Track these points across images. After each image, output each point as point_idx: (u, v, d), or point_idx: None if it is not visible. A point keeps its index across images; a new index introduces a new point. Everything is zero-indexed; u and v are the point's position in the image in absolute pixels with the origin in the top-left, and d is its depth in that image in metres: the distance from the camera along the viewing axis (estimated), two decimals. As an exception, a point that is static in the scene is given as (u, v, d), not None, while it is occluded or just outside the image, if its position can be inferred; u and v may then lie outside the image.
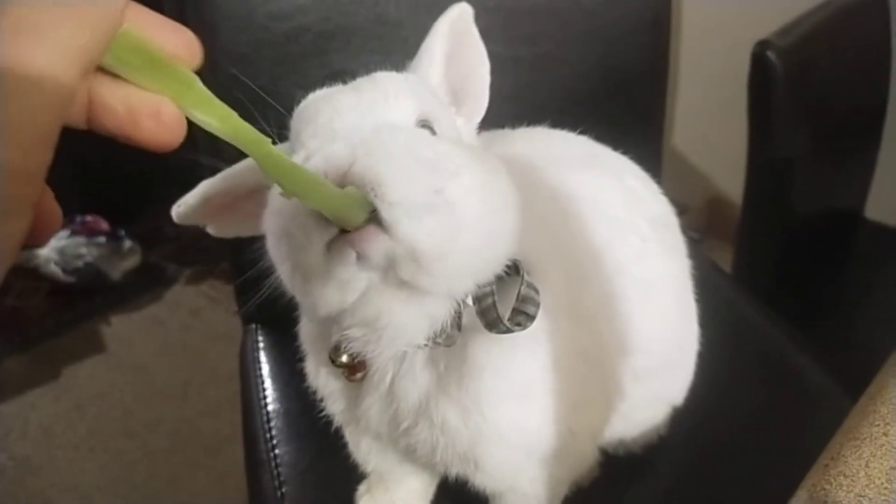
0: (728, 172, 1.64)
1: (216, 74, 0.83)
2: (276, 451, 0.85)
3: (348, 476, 0.79)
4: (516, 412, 0.61)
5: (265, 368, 0.94)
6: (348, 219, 0.45)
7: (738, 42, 1.27)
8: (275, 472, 0.83)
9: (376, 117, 0.49)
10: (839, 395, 0.91)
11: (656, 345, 0.73)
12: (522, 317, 0.54)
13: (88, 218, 2.20)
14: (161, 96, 0.34)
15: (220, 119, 0.37)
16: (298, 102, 0.55)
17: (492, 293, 0.54)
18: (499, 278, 0.54)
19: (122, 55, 0.32)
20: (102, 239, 2.16)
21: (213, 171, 0.66)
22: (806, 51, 1.24)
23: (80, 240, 2.14)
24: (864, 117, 1.48)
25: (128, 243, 2.21)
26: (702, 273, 0.82)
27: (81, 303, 2.11)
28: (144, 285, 2.20)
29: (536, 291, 0.54)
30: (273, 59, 0.85)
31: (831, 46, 1.32)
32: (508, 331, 0.53)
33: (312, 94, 0.54)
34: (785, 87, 1.20)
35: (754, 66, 1.21)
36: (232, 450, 1.70)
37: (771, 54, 1.19)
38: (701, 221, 1.73)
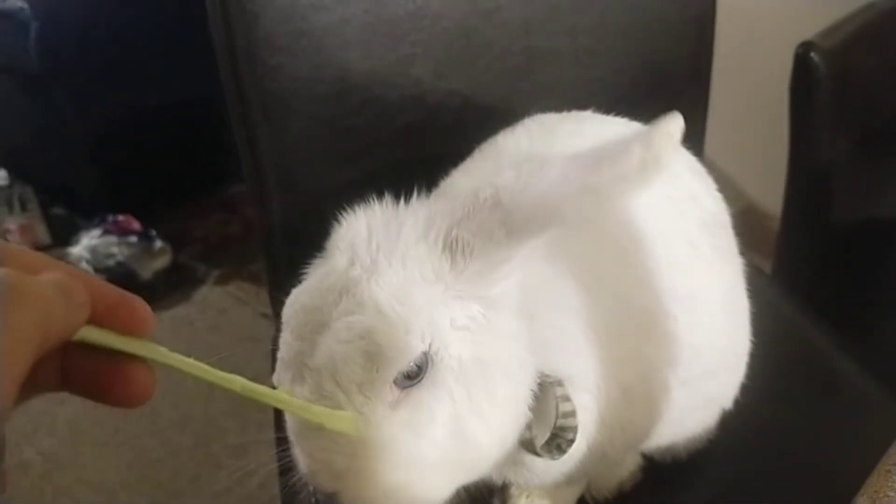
0: (763, 180, 1.61)
1: (256, 65, 0.83)
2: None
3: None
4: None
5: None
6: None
7: (779, 44, 1.24)
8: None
9: (341, 440, 0.52)
10: (885, 401, 0.89)
11: (705, 353, 0.71)
12: (562, 442, 0.58)
13: (120, 217, 2.21)
14: (130, 361, 0.38)
15: (190, 366, 0.41)
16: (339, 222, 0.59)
17: (528, 427, 0.57)
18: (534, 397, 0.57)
19: (86, 338, 0.37)
20: (134, 238, 2.18)
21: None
22: (850, 53, 1.21)
23: (112, 239, 2.15)
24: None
25: (159, 243, 2.22)
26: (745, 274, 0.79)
27: (112, 302, 2.11)
28: (174, 285, 2.21)
29: (573, 414, 0.58)
30: (313, 50, 0.84)
31: (875, 49, 1.28)
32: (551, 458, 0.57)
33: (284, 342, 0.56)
34: (828, 89, 1.18)
35: (797, 68, 1.18)
36: (256, 450, 1.70)
37: (815, 55, 1.16)
38: (735, 230, 1.70)
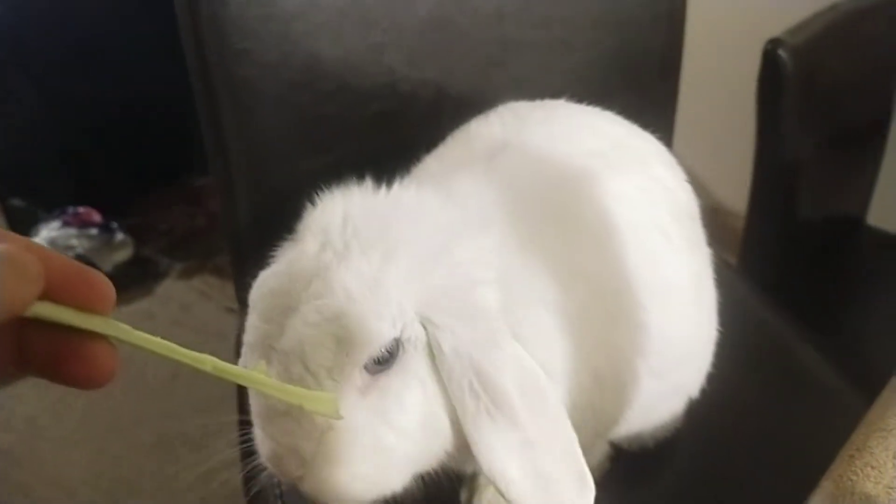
0: (729, 178, 1.62)
1: (224, 50, 0.81)
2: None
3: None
4: None
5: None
6: None
7: (747, 41, 1.26)
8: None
9: (310, 425, 0.52)
10: (847, 390, 0.90)
11: (674, 342, 0.72)
12: None
13: (80, 209, 2.17)
14: (91, 339, 0.36)
15: (156, 344, 0.39)
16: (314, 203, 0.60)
17: None
18: None
19: (41, 314, 0.35)
20: (94, 231, 2.14)
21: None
22: (816, 51, 1.23)
23: (72, 231, 2.11)
24: (869, 122, 1.47)
25: (120, 236, 2.18)
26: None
27: (70, 295, 2.07)
28: (135, 279, 2.17)
29: None
30: (281, 34, 0.83)
31: (840, 48, 1.30)
32: None
33: (249, 329, 0.56)
34: (795, 86, 1.19)
35: (765, 65, 1.19)
36: (218, 446, 1.68)
37: (782, 52, 1.17)
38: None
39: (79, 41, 2.12)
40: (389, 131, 0.91)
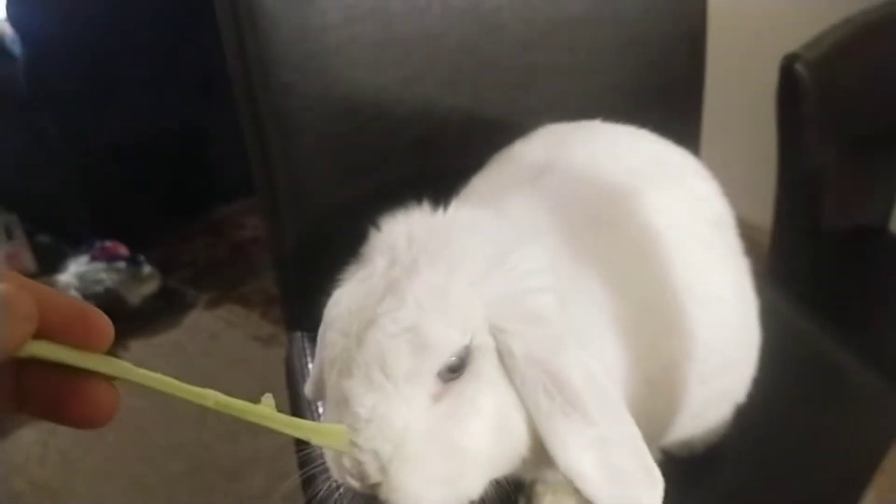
0: (753, 193, 1.64)
1: (269, 83, 0.85)
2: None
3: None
4: None
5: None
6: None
7: (765, 57, 1.28)
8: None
9: (391, 428, 0.54)
10: (888, 393, 0.92)
11: (720, 349, 0.74)
12: None
13: (108, 243, 2.21)
14: (89, 378, 0.36)
15: (156, 381, 0.38)
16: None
17: None
18: None
19: (36, 353, 0.34)
20: (122, 264, 2.17)
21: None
22: (832, 64, 1.25)
23: (100, 265, 2.15)
24: (886, 131, 1.48)
25: (147, 268, 2.22)
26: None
27: (100, 328, 2.10)
28: (163, 310, 2.21)
29: None
30: (323, 69, 0.86)
31: (855, 60, 1.33)
32: None
33: (329, 344, 0.60)
34: (813, 98, 1.21)
35: (783, 79, 1.22)
36: (251, 473, 1.70)
37: (799, 66, 1.20)
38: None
39: (99, 74, 2.17)
40: (424, 157, 0.94)
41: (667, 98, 1.07)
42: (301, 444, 0.63)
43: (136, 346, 2.09)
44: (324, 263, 0.69)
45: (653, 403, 0.68)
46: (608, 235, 0.69)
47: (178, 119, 2.32)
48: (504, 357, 0.57)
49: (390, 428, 0.54)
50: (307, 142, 0.89)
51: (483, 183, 0.80)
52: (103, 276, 2.13)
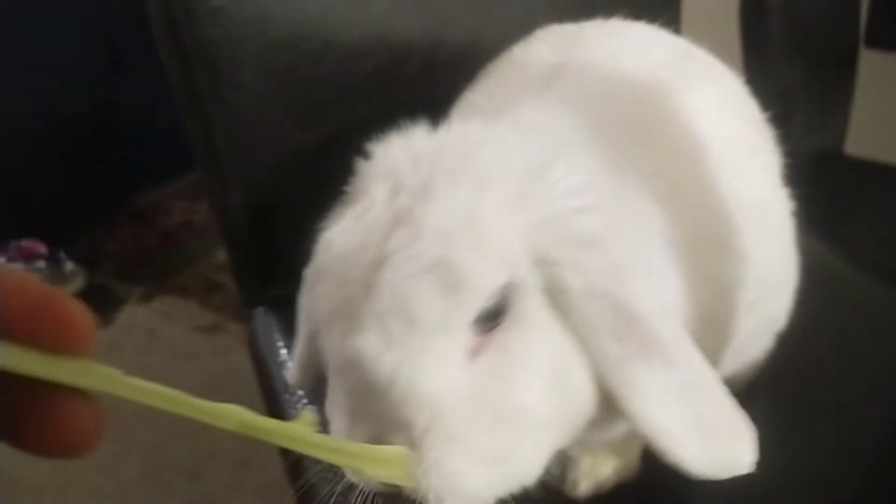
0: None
1: (190, 9, 0.72)
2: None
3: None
4: None
5: (284, 353, 0.82)
6: None
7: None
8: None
9: (422, 392, 0.44)
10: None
11: (770, 269, 0.65)
12: None
13: (24, 242, 2.05)
14: (63, 393, 0.27)
15: (157, 396, 0.31)
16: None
17: None
18: None
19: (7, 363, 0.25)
20: (41, 263, 2.03)
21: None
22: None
23: (17, 266, 1.98)
24: (844, 55, 1.45)
25: (69, 265, 2.07)
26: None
27: (24, 335, 1.94)
28: (93, 308, 2.02)
29: None
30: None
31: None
32: None
33: (323, 298, 0.49)
34: (778, 17, 1.17)
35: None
36: (212, 469, 1.61)
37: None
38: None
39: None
40: (385, 90, 0.82)
41: (646, 7, 0.97)
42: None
43: (67, 349, 1.94)
44: (280, 227, 0.57)
45: (703, 338, 0.58)
46: (647, 141, 0.58)
47: (86, 98, 2.14)
48: (555, 295, 0.46)
49: (420, 392, 0.43)
50: (245, 80, 0.76)
51: (481, 96, 0.68)
52: (22, 278, 1.96)
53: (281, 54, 0.76)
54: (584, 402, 0.47)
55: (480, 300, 0.44)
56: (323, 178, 0.54)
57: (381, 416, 0.43)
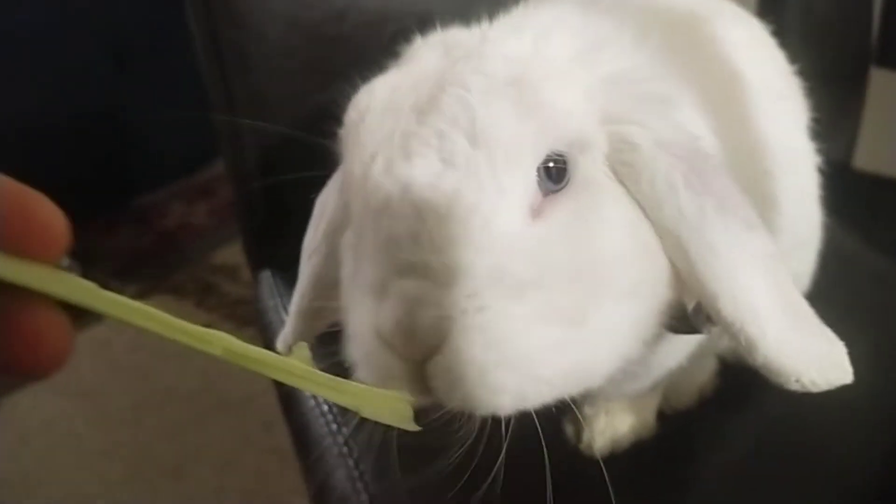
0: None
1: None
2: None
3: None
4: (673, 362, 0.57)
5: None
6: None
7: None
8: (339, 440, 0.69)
9: (486, 232, 0.37)
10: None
11: (800, 221, 0.64)
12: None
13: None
14: (33, 300, 0.26)
15: (134, 312, 0.30)
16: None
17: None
18: None
19: None
20: (36, 258, 1.97)
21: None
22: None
23: (10, 259, 1.94)
24: (853, 62, 1.45)
25: (64, 261, 2.00)
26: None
27: (17, 327, 1.90)
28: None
29: None
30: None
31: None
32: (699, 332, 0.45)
33: (365, 134, 0.42)
34: (796, 7, 1.16)
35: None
36: (197, 470, 1.58)
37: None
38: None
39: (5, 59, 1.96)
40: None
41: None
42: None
43: (57, 344, 1.90)
44: (291, 188, 0.56)
45: None
46: (687, 62, 0.54)
47: (92, 99, 2.13)
48: (623, 155, 0.41)
49: (487, 227, 0.37)
50: (270, 33, 0.75)
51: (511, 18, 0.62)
52: (16, 271, 1.93)
53: (307, 10, 0.76)
54: (662, 273, 0.42)
55: (555, 135, 0.39)
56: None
57: (426, 266, 0.36)
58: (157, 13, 1.85)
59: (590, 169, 0.41)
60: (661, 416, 0.70)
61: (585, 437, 0.66)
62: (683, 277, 0.41)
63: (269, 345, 0.80)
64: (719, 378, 0.72)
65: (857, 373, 0.72)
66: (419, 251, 0.37)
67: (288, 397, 0.73)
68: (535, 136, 0.39)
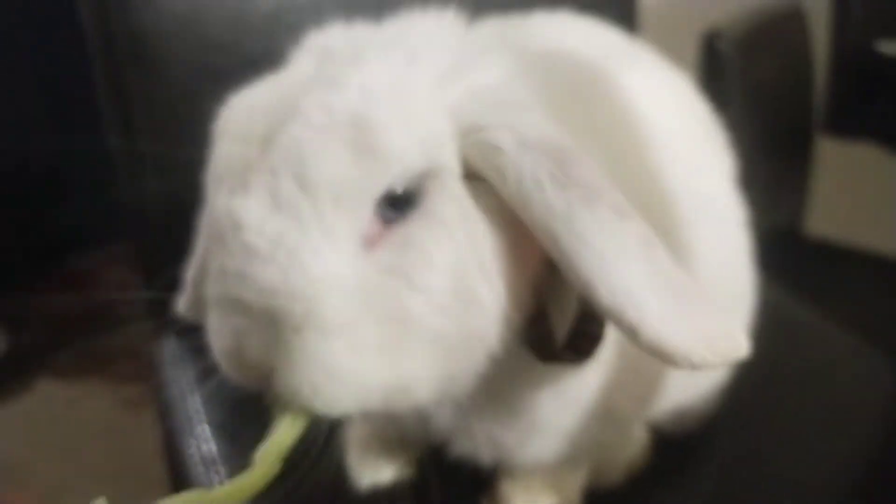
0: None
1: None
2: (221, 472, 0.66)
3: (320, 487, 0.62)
4: (571, 417, 0.54)
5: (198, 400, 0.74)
6: None
7: (684, 30, 1.23)
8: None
9: (302, 276, 0.39)
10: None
11: (722, 277, 0.59)
12: (583, 342, 0.46)
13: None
14: None
15: None
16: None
17: (544, 318, 0.45)
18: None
19: None
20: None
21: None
22: (752, 45, 1.21)
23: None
24: (799, 130, 1.46)
25: (-7, 328, 1.94)
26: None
27: (-66, 398, 1.81)
28: (11, 375, 1.93)
29: None
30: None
31: (771, 48, 1.30)
32: (571, 363, 0.46)
33: (218, 158, 0.44)
34: (735, 77, 1.16)
35: (705, 55, 1.16)
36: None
37: (722, 44, 1.15)
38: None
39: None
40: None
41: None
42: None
43: (-20, 416, 1.80)
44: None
45: (638, 353, 0.52)
46: (588, 110, 0.53)
47: (28, 152, 2.07)
48: (489, 161, 0.41)
49: (304, 273, 0.38)
50: (176, 77, 0.71)
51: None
52: (-64, 336, 1.85)
53: (218, 55, 0.72)
54: (486, 325, 0.42)
55: (392, 175, 0.40)
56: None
57: (250, 306, 0.38)
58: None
59: (436, 200, 0.41)
60: (589, 494, 0.65)
61: None
62: (563, 272, 0.40)
63: (171, 449, 0.74)
64: (652, 452, 0.67)
65: (805, 442, 0.70)
66: (245, 291, 0.39)
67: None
68: (370, 177, 0.40)
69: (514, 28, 0.60)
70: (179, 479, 0.68)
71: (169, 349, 0.80)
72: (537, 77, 0.48)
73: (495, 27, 0.58)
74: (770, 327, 0.70)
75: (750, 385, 0.70)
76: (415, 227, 0.41)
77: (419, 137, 0.40)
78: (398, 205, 0.41)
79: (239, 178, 0.40)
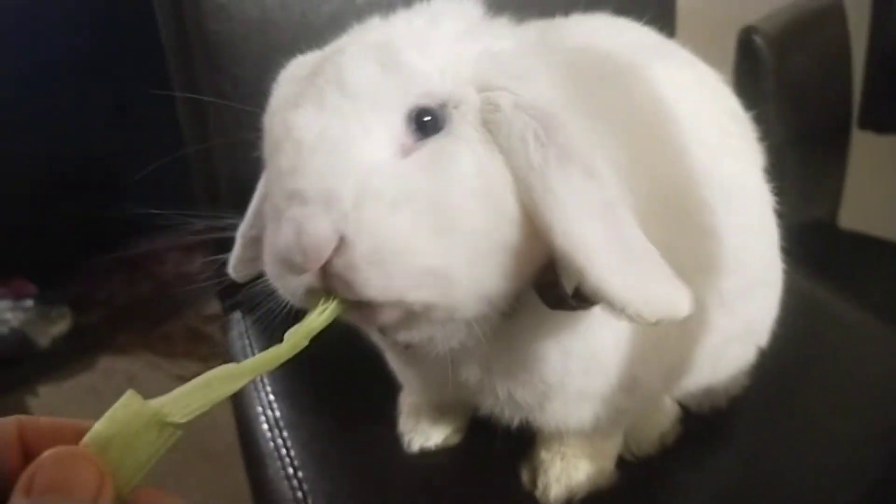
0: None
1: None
2: (285, 436, 0.72)
3: (374, 450, 0.68)
4: (583, 380, 0.58)
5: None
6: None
7: (722, 28, 1.25)
8: (286, 460, 0.70)
9: (348, 160, 0.45)
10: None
11: (746, 260, 0.63)
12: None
13: (14, 281, 2.03)
14: None
15: None
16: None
17: (553, 267, 0.49)
18: None
19: None
20: (30, 302, 1.99)
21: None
22: (789, 41, 1.23)
23: (5, 304, 1.96)
24: (836, 124, 1.47)
25: (57, 307, 2.03)
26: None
27: (5, 373, 1.89)
28: (75, 352, 2.01)
29: None
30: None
31: (808, 43, 1.31)
32: (574, 309, 0.49)
33: (275, 98, 0.52)
34: (771, 72, 1.18)
35: (741, 51, 1.18)
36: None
37: (758, 39, 1.17)
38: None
39: (4, 106, 2.00)
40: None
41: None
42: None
43: (46, 391, 1.88)
44: None
45: (665, 332, 0.57)
46: (615, 95, 0.57)
47: (91, 144, 2.16)
48: (489, 115, 0.48)
49: (346, 159, 0.44)
50: (245, 77, 0.77)
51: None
52: (9, 315, 1.93)
53: (283, 56, 0.78)
54: (513, 234, 0.47)
55: (418, 87, 0.47)
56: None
57: (305, 192, 0.43)
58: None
59: (459, 124, 0.47)
60: (622, 463, 0.69)
61: (541, 483, 0.66)
62: (533, 220, 0.46)
63: (241, 415, 0.80)
64: (682, 426, 0.72)
65: (832, 427, 0.73)
66: (299, 179, 0.44)
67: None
68: (397, 89, 0.47)
69: (554, 28, 0.66)
70: (249, 446, 0.74)
71: (237, 327, 0.86)
72: (568, 65, 0.54)
73: (537, 28, 0.64)
74: (803, 315, 0.74)
75: (780, 368, 0.74)
76: (443, 142, 0.47)
77: (439, 65, 0.48)
78: (427, 129, 0.47)
79: (290, 104, 0.47)
